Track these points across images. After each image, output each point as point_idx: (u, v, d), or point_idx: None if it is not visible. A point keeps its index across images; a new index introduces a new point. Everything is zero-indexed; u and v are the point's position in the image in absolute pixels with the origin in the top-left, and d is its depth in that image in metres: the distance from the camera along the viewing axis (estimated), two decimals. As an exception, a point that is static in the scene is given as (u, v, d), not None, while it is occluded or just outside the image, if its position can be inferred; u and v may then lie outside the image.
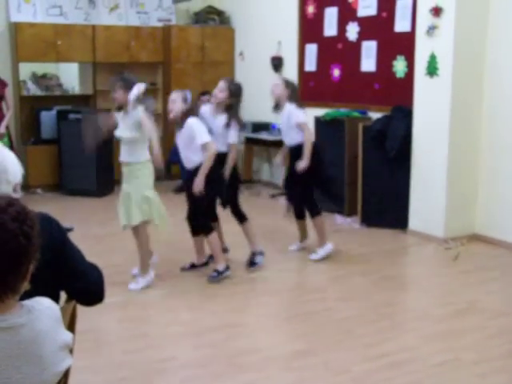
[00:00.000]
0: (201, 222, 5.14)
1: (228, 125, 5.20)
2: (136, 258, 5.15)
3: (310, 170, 5.38)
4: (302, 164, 5.33)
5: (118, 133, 4.92)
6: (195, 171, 4.93)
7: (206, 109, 5.37)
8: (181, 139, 4.99)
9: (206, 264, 5.36)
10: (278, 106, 5.56)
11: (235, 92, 5.24)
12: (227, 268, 5.15)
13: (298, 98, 5.60)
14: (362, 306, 4.60)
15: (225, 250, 5.55)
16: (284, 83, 5.48)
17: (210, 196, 5.08)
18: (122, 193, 4.97)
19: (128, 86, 4.78)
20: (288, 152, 5.71)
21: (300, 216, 5.76)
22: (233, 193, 5.39)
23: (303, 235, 5.86)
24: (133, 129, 4.79)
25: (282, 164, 5.94)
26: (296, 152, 5.47)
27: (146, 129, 4.74)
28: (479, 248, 6.04)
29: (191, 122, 4.86)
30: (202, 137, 4.84)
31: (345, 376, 3.56)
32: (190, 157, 4.97)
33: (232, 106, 5.23)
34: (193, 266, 5.35)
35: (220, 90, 5.21)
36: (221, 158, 5.13)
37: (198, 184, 4.85)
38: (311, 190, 5.59)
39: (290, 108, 5.43)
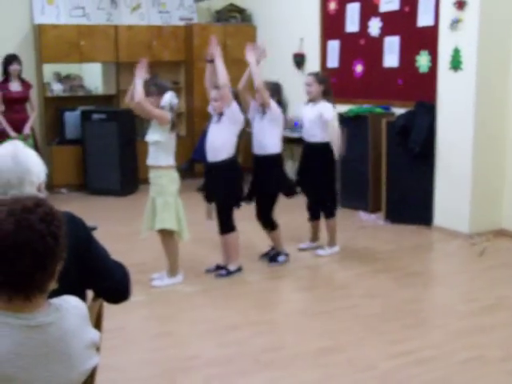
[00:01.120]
0: (222, 222, 5.10)
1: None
2: (159, 261, 5.21)
3: (329, 170, 5.46)
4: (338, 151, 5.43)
5: (146, 137, 4.97)
6: (216, 166, 4.99)
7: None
8: (217, 128, 5.00)
9: (240, 269, 5.24)
10: (312, 101, 5.48)
11: (274, 89, 5.26)
12: (239, 269, 5.17)
13: (331, 92, 5.50)
14: (387, 302, 4.58)
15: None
16: (317, 80, 5.41)
17: (231, 198, 5.08)
18: (149, 197, 5.00)
19: (161, 92, 4.88)
20: (303, 149, 5.70)
21: (316, 216, 5.74)
22: (271, 199, 5.36)
23: (315, 236, 5.82)
24: (156, 131, 4.85)
25: None
26: (315, 150, 5.45)
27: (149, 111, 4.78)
28: (505, 243, 5.97)
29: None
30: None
31: (370, 373, 3.54)
32: (218, 149, 4.98)
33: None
34: (218, 268, 5.26)
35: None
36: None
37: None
38: (334, 190, 5.62)
39: (323, 105, 5.36)
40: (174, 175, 4.95)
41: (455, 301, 4.65)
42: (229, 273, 5.13)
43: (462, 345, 3.86)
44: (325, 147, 5.44)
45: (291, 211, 6.19)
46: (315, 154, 5.47)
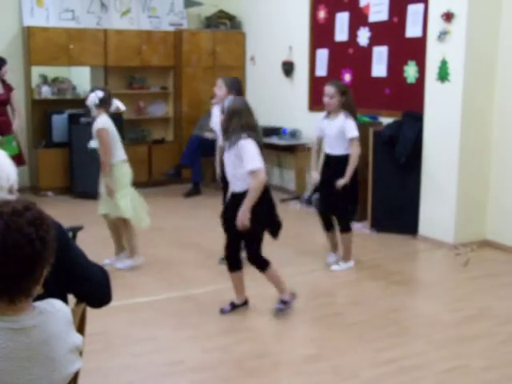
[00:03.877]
0: (255, 259, 4.38)
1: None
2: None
3: (350, 184, 5.26)
4: (343, 181, 5.19)
5: (91, 143, 5.37)
6: (239, 196, 4.25)
7: (214, 110, 5.51)
8: (229, 156, 4.30)
9: (246, 303, 4.63)
10: (329, 114, 5.32)
11: (232, 86, 5.35)
12: (293, 296, 4.55)
13: (353, 104, 5.35)
14: (372, 311, 4.59)
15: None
16: (339, 91, 5.19)
17: (259, 230, 4.33)
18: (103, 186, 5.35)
19: (90, 91, 5.29)
20: (325, 160, 5.46)
21: (330, 228, 5.58)
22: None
23: (335, 246, 5.67)
24: (95, 138, 5.26)
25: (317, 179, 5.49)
26: (338, 163, 5.27)
27: (101, 145, 5.19)
28: (489, 254, 6.02)
29: (244, 143, 4.14)
30: (252, 162, 4.14)
31: (353, 381, 3.55)
32: (237, 179, 4.30)
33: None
34: (234, 307, 4.57)
35: (217, 88, 5.39)
36: None
37: (242, 217, 4.15)
38: (348, 204, 5.44)
39: (345, 120, 5.22)
40: (125, 168, 5.32)
41: (439, 310, 4.67)
42: (286, 303, 4.48)
43: (445, 354, 3.87)
44: (348, 159, 5.27)
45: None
46: (338, 166, 5.26)
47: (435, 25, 6.08)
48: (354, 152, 5.23)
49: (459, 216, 6.12)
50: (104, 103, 5.20)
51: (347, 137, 5.22)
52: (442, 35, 6.00)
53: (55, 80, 9.01)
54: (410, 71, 6.85)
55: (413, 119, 6.47)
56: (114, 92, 8.94)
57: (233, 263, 4.47)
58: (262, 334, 4.24)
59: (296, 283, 5.30)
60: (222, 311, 4.51)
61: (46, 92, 8.81)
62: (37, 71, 8.71)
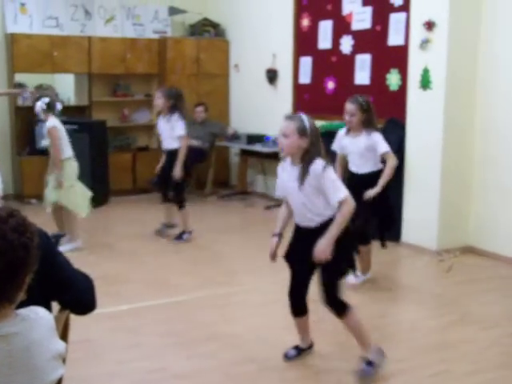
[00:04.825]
0: (334, 301, 3.71)
1: (169, 118, 6.22)
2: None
3: (379, 198, 5.00)
4: (373, 191, 4.91)
5: (43, 142, 6.16)
6: (316, 232, 3.53)
7: (159, 119, 6.47)
8: (302, 188, 3.51)
9: (311, 347, 4.05)
10: (350, 131, 5.07)
11: (169, 94, 6.24)
12: (381, 353, 3.72)
13: (375, 121, 5.04)
14: (355, 317, 4.60)
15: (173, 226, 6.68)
16: (360, 109, 4.90)
17: (342, 265, 3.71)
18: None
19: (36, 100, 6.06)
20: (350, 178, 5.14)
21: (366, 242, 5.32)
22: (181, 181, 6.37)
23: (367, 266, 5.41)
24: (46, 137, 6.03)
25: None
26: (366, 180, 5.00)
27: (52, 143, 5.94)
28: (472, 260, 6.07)
29: (327, 173, 3.46)
30: (340, 191, 3.45)
31: (337, 387, 3.56)
32: (313, 214, 3.57)
33: (174, 106, 6.21)
34: (300, 351, 3.99)
35: (157, 98, 6.30)
36: (172, 155, 6.32)
37: (325, 249, 3.47)
38: (370, 219, 5.20)
39: (370, 137, 4.94)
40: (73, 163, 6.10)
41: (423, 316, 4.70)
42: (373, 365, 3.65)
43: (429, 359, 3.90)
44: (376, 175, 5.01)
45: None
46: (367, 183, 4.99)
47: (417, 33, 6.15)
48: (391, 164, 4.95)
49: (442, 222, 6.17)
50: (50, 108, 5.97)
51: (379, 152, 4.97)
52: (424, 43, 6.07)
53: (38, 87, 8.96)
54: (393, 79, 6.90)
55: (395, 127, 6.52)
56: (98, 99, 9.04)
57: (300, 308, 3.94)
58: (247, 340, 4.24)
59: (278, 290, 5.30)
60: (287, 356, 3.91)
61: (28, 99, 8.75)
62: (19, 78, 8.66)
